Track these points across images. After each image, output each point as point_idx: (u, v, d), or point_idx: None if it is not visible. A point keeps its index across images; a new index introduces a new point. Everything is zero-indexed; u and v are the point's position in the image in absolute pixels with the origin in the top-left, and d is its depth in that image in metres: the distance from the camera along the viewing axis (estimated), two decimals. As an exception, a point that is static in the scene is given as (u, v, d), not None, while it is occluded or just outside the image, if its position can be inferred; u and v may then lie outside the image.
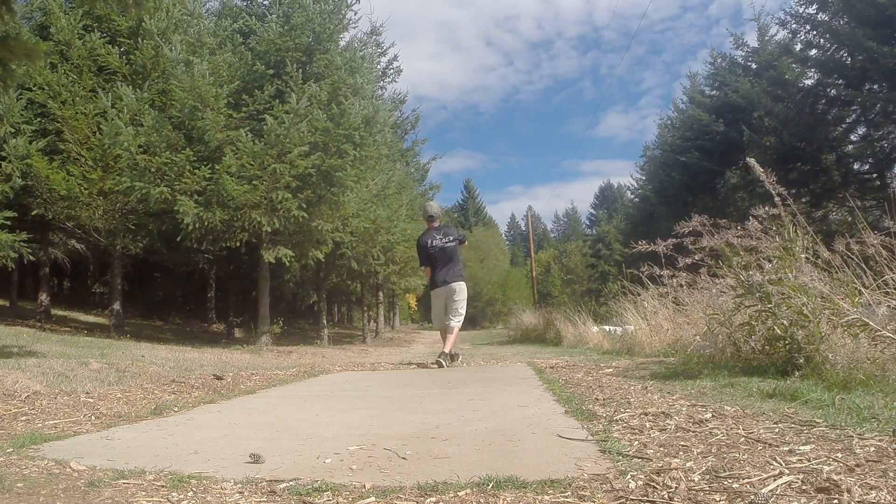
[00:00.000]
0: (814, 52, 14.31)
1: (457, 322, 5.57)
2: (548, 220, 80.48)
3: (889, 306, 3.08)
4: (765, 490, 1.30)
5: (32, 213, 8.95)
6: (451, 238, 5.68)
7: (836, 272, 3.23)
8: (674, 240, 4.07)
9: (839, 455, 1.55)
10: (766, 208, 3.50)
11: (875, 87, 12.70)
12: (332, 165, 8.05)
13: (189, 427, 2.42)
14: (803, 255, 3.26)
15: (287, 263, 8.80)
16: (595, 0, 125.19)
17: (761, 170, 3.51)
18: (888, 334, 2.86)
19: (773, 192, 3.43)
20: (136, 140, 7.68)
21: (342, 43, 9.53)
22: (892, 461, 1.47)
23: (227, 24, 8.77)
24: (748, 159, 3.80)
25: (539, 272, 39.76)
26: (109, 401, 3.14)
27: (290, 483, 1.53)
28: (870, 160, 14.01)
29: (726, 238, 3.73)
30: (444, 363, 5.23)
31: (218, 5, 10.48)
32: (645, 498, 1.32)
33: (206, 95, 7.52)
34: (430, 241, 5.63)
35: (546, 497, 1.36)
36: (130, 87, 8.40)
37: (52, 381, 3.54)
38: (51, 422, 2.53)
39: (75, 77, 8.87)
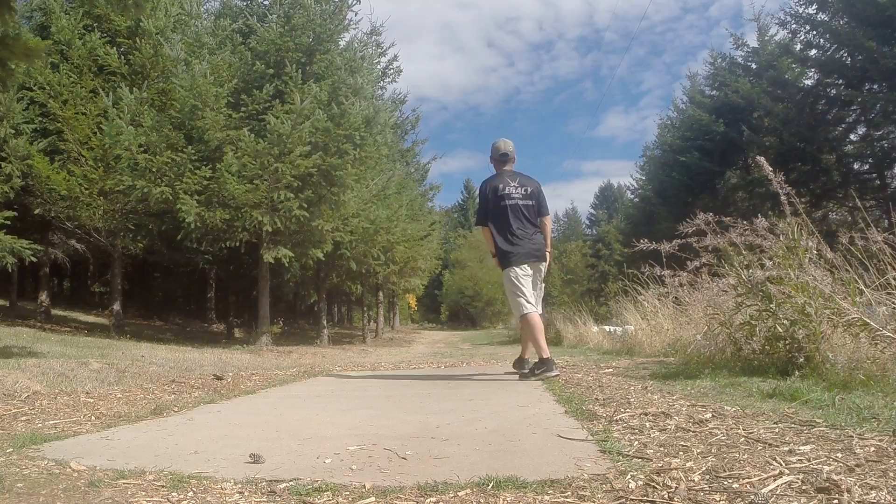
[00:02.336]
0: (814, 52, 14.31)
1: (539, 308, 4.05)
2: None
3: (889, 306, 3.08)
4: (765, 490, 1.30)
5: (35, 213, 8.96)
6: (530, 191, 4.04)
7: (839, 271, 3.23)
8: (678, 240, 4.06)
9: (839, 455, 1.55)
10: (784, 222, 3.46)
11: (875, 87, 12.69)
12: (332, 165, 8.06)
13: (189, 427, 2.42)
14: (807, 256, 3.26)
15: (287, 263, 8.81)
16: (596, 2, 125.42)
17: (770, 169, 3.50)
18: (888, 334, 2.86)
19: (781, 191, 3.43)
20: (136, 140, 7.68)
21: (342, 43, 9.53)
22: (892, 461, 1.47)
23: (227, 24, 8.78)
24: (758, 157, 3.79)
25: (539, 272, 39.71)
26: (109, 401, 3.14)
27: (290, 483, 1.53)
28: (870, 160, 14.01)
29: (730, 237, 3.73)
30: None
31: (218, 5, 10.50)
32: (645, 498, 1.32)
33: (205, 95, 7.53)
34: (503, 187, 4.02)
35: (546, 497, 1.36)
36: (130, 87, 8.40)
37: (52, 381, 3.54)
38: (51, 422, 2.53)
39: (76, 77, 8.87)
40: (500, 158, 4.21)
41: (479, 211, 4.14)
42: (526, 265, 3.93)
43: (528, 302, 3.86)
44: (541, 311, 3.99)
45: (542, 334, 3.84)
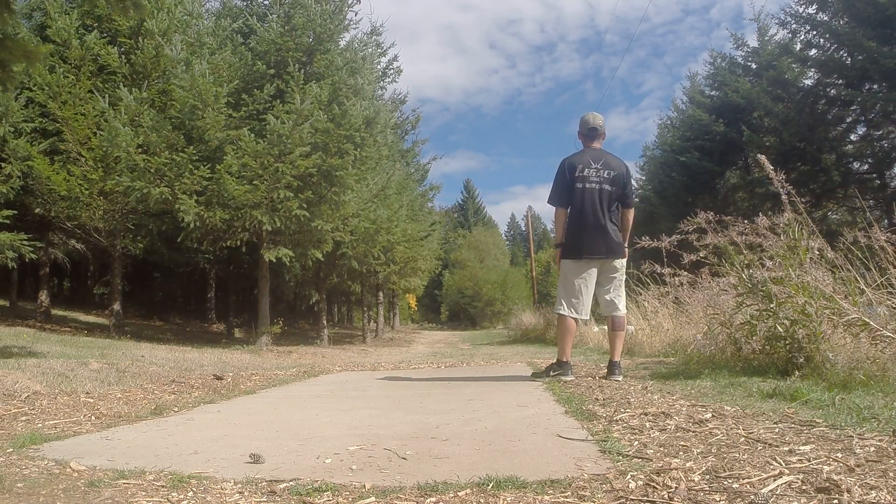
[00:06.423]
0: (814, 52, 14.30)
1: (624, 310, 3.77)
2: (548, 221, 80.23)
3: (889, 305, 3.08)
4: (765, 490, 1.30)
5: (36, 213, 8.96)
6: (614, 175, 3.65)
7: (840, 271, 3.22)
8: (678, 236, 4.05)
9: (839, 455, 1.55)
10: (784, 215, 3.46)
11: (875, 87, 12.68)
12: (332, 165, 8.06)
13: (189, 427, 2.42)
14: (808, 256, 3.26)
15: (287, 263, 8.81)
16: (597, 4, 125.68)
17: (771, 167, 3.50)
18: (888, 334, 2.86)
19: (782, 190, 3.43)
20: (134, 140, 7.68)
21: (342, 43, 9.53)
22: (892, 461, 1.47)
23: (227, 24, 8.77)
24: (759, 156, 3.78)
25: (539, 272, 39.74)
26: (109, 401, 3.14)
27: (290, 483, 1.53)
28: (869, 160, 14.00)
29: (730, 236, 3.73)
30: (620, 376, 3.61)
31: (218, 5, 10.50)
32: (645, 498, 1.32)
33: (206, 95, 7.52)
34: (583, 167, 3.66)
35: (546, 497, 1.36)
36: (130, 87, 8.39)
37: (52, 381, 3.54)
38: (51, 422, 2.53)
39: (75, 77, 8.87)
40: (588, 133, 3.80)
41: (554, 190, 3.76)
42: (586, 261, 3.63)
43: (570, 304, 3.65)
44: (624, 313, 3.76)
45: (569, 338, 3.74)
